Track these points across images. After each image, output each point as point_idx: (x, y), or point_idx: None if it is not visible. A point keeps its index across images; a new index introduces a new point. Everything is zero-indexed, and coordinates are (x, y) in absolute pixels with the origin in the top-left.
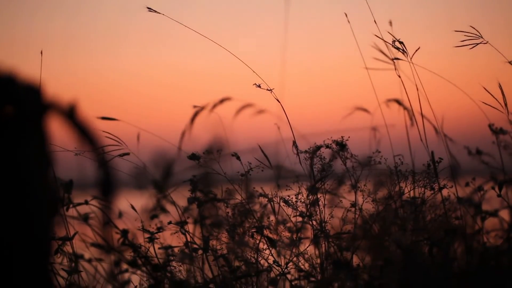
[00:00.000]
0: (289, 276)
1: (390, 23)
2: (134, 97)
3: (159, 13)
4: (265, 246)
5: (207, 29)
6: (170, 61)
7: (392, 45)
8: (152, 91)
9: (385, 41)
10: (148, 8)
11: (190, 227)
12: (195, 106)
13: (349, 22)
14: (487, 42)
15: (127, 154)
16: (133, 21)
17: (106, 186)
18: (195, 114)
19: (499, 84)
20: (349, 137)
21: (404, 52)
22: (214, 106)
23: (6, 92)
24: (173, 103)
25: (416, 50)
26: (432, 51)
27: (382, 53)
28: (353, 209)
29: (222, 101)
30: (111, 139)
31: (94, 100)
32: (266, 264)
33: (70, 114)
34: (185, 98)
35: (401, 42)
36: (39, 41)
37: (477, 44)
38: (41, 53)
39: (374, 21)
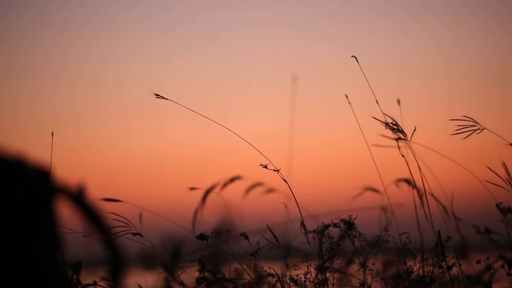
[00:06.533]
0: None
1: (398, 101)
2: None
3: (167, 99)
4: None
5: (214, 106)
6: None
7: (388, 127)
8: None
9: (383, 122)
10: (156, 94)
11: None
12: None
13: (350, 103)
14: (484, 128)
15: (138, 234)
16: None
17: (115, 266)
18: (206, 194)
19: (503, 162)
20: (356, 216)
21: (402, 132)
22: (225, 185)
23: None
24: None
25: (414, 131)
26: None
27: (385, 134)
28: None
29: (232, 180)
30: (119, 220)
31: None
32: None
33: (79, 197)
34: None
35: (394, 124)
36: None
37: (473, 132)
38: (52, 134)
39: (376, 101)
